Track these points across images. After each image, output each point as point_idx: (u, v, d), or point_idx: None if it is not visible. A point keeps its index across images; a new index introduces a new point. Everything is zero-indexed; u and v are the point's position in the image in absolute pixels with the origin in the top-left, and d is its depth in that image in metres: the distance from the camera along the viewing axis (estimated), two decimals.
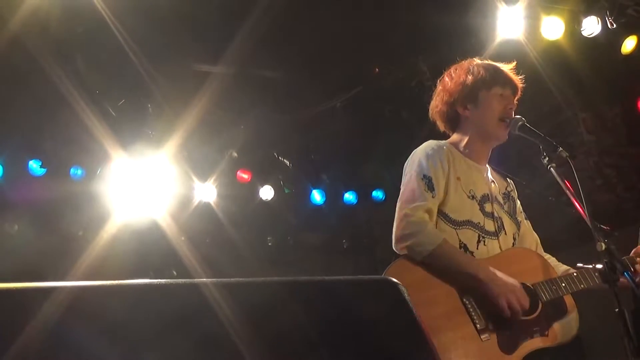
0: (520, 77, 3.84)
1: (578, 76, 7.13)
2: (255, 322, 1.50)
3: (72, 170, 7.15)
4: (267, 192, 8.51)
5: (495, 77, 3.75)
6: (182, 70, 6.89)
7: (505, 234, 3.69)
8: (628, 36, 6.35)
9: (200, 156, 7.97)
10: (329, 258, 9.37)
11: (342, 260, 9.49)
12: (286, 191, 8.71)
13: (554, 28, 6.20)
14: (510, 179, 4.01)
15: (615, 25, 5.99)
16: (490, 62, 3.85)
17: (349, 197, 8.98)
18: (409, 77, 7.40)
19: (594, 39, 6.18)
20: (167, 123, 7.10)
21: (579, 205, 3.21)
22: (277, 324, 1.55)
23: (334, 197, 8.86)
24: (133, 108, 7.05)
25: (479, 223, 3.58)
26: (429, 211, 3.47)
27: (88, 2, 5.23)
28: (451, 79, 3.84)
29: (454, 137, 3.86)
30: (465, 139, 3.78)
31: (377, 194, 8.95)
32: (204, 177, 8.02)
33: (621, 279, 2.96)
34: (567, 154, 3.40)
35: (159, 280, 1.47)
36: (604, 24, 6.01)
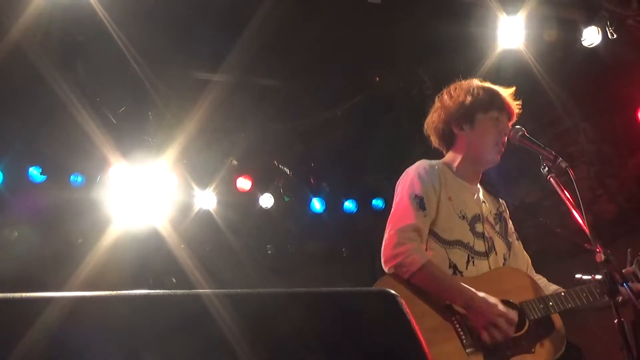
0: (519, 99, 3.85)
1: (578, 86, 7.13)
2: (256, 331, 1.51)
3: (72, 177, 7.14)
4: (267, 200, 8.51)
5: (494, 101, 3.77)
6: (183, 78, 6.90)
7: (496, 254, 3.68)
8: (628, 46, 6.36)
9: (200, 164, 7.97)
10: (328, 266, 9.36)
11: (342, 268, 9.48)
12: (286, 199, 8.71)
13: (555, 38, 6.22)
14: (502, 199, 4.01)
15: (615, 36, 5.99)
16: (490, 85, 3.86)
17: (349, 205, 8.96)
18: (409, 85, 7.41)
19: (595, 49, 6.19)
20: (168, 130, 7.11)
21: (579, 216, 3.22)
22: (277, 334, 1.55)
23: (334, 205, 8.85)
24: (134, 115, 7.06)
25: (469, 243, 3.59)
26: (418, 230, 3.47)
27: (90, 10, 5.24)
28: (450, 98, 3.85)
29: (448, 156, 3.87)
30: (458, 159, 3.80)
31: (377, 203, 8.93)
32: (204, 184, 8.03)
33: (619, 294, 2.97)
34: (566, 164, 3.41)
35: (159, 291, 1.47)
36: (605, 34, 6.02)
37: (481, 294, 3.35)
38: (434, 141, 3.95)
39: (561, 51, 6.58)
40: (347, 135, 8.10)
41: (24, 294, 1.32)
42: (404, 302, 1.61)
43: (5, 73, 5.89)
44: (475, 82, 3.88)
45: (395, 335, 1.61)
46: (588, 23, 6.07)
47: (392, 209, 3.63)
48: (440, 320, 3.30)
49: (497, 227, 3.80)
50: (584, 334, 3.56)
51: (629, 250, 3.64)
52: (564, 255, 6.55)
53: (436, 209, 3.57)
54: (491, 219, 3.79)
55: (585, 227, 3.16)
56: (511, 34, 5.92)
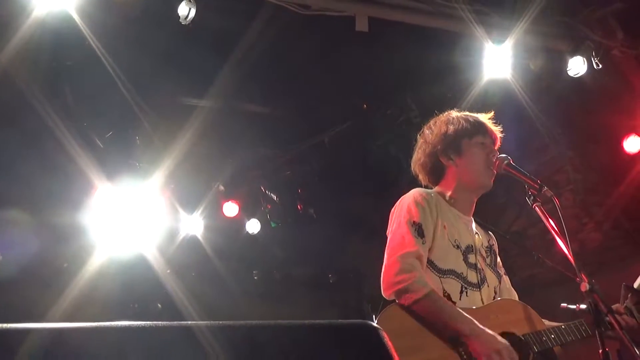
0: (498, 124, 3.86)
1: (564, 115, 7.18)
2: None
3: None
4: (253, 226, 8.50)
5: (476, 127, 3.78)
6: (171, 103, 6.90)
7: (487, 286, 3.67)
8: (613, 76, 6.42)
9: (187, 189, 7.96)
10: (315, 292, 9.34)
11: (329, 294, 9.46)
12: (273, 225, 8.70)
13: (541, 67, 6.27)
14: (492, 232, 4.01)
15: (600, 66, 6.05)
16: (468, 113, 3.89)
17: (336, 231, 8.95)
18: (396, 113, 7.44)
19: (580, 79, 6.23)
20: (155, 155, 7.10)
21: (564, 244, 3.22)
22: None
23: (320, 231, 8.84)
24: (121, 140, 7.05)
25: (462, 273, 3.57)
26: (419, 257, 3.44)
27: (78, 35, 5.24)
28: (431, 132, 3.86)
29: (439, 188, 3.85)
30: (451, 190, 3.78)
31: (364, 229, 8.92)
32: (190, 209, 8.01)
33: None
34: (551, 193, 3.42)
35: (145, 322, 1.45)
36: (590, 64, 6.07)
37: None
38: (423, 179, 3.93)
39: (547, 80, 6.62)
40: (335, 162, 8.12)
41: (3, 325, 1.30)
42: (386, 335, 1.60)
43: None
44: (454, 112, 3.90)
45: None
46: (574, 53, 6.12)
47: (390, 236, 3.61)
48: (447, 352, 3.27)
49: (488, 260, 3.80)
50: None
51: (623, 284, 3.64)
52: (550, 283, 6.55)
53: (432, 236, 3.56)
54: (483, 252, 3.78)
55: (570, 256, 3.16)
56: (498, 63, 5.96)
